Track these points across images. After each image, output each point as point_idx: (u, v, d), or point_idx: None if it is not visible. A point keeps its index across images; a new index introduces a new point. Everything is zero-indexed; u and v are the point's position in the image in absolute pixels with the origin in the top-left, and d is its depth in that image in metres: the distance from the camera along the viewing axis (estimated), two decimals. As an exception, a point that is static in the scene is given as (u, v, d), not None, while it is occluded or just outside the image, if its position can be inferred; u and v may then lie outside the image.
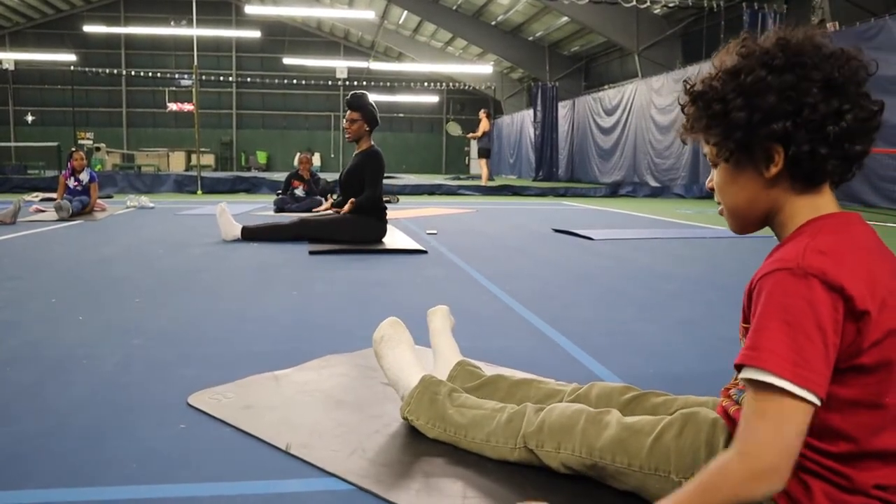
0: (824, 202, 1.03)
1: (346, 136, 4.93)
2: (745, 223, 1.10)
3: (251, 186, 12.72)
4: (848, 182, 1.04)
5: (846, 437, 0.96)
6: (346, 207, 4.86)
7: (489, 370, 1.66)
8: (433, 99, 31.44)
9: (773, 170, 1.00)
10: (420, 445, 1.41)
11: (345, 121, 4.94)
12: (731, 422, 1.09)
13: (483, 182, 14.55)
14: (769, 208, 1.06)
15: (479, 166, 15.79)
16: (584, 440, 1.20)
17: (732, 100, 1.00)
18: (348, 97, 4.94)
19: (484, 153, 14.89)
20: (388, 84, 30.26)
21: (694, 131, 1.08)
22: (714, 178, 1.11)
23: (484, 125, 14.54)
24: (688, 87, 1.08)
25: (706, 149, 1.09)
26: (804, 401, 0.88)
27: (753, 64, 1.00)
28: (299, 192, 8.55)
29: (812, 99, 0.96)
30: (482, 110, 15.09)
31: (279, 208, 8.17)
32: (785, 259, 0.95)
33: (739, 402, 1.09)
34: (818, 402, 0.89)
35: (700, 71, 1.02)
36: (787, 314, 0.90)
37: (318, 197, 8.56)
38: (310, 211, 7.82)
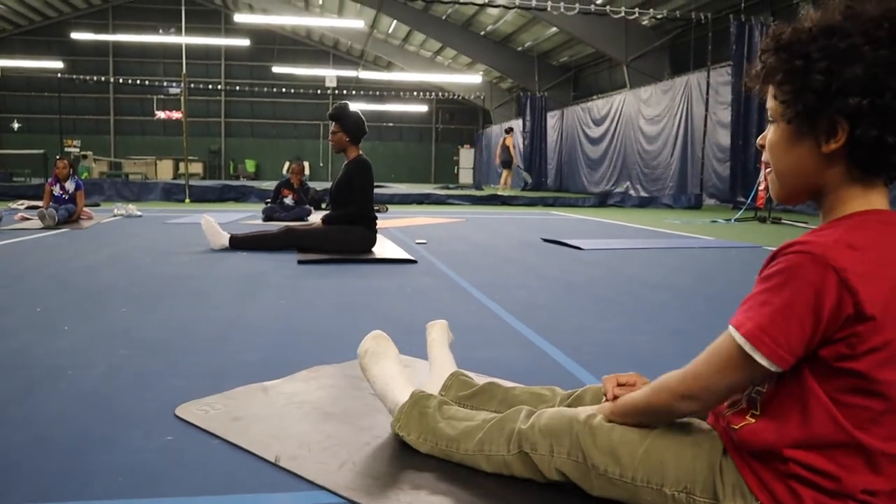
0: (877, 197, 0.99)
1: (332, 147, 5.04)
2: (789, 191, 1.06)
3: (240, 195, 12.68)
4: None
5: (837, 436, 0.97)
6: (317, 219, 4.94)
7: (482, 381, 1.66)
8: (422, 108, 31.51)
9: (833, 146, 0.96)
10: (410, 458, 1.39)
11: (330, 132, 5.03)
12: (725, 428, 1.09)
13: (500, 189, 16.50)
14: (818, 185, 1.02)
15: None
16: (577, 444, 1.18)
17: (817, 60, 0.95)
18: (330, 109, 5.02)
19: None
20: (378, 93, 30.32)
21: (764, 82, 1.03)
22: (768, 135, 1.06)
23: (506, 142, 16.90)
24: (776, 32, 1.01)
25: (770, 102, 1.04)
26: (761, 366, 0.97)
27: (854, 28, 0.93)
28: (288, 201, 8.52)
29: None
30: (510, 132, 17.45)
31: (268, 217, 8.13)
32: (814, 243, 0.94)
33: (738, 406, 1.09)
34: (779, 370, 0.97)
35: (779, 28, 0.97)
36: (792, 296, 0.94)
37: (308, 206, 8.54)
38: (299, 220, 7.80)
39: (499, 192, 14.84)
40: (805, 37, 0.97)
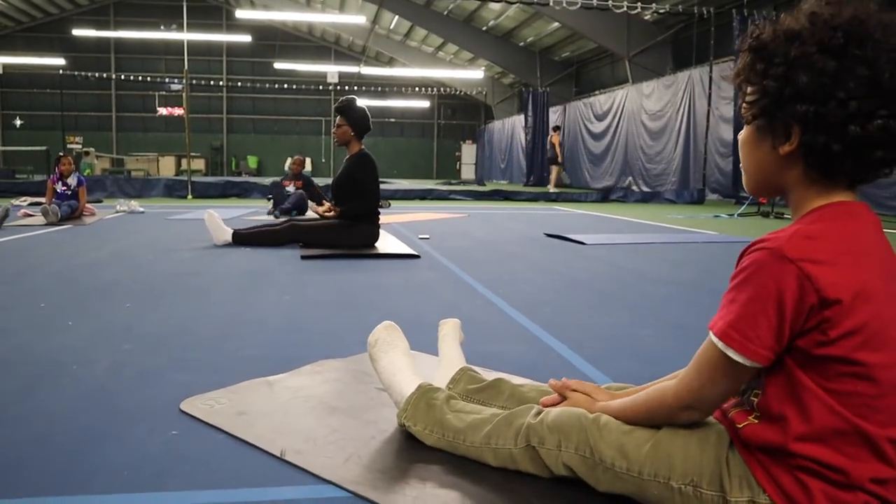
0: (838, 193, 1.01)
1: (335, 140, 5.03)
2: (754, 187, 1.11)
3: (242, 191, 12.68)
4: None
5: (838, 425, 0.97)
6: (324, 209, 4.94)
7: (490, 377, 1.66)
8: (424, 104, 31.46)
9: (786, 148, 1.00)
10: (416, 452, 1.39)
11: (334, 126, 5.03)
12: (730, 424, 1.09)
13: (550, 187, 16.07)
14: (780, 184, 1.05)
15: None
16: (585, 439, 1.18)
17: (775, 66, 0.98)
18: (337, 103, 5.02)
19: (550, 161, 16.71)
20: (379, 89, 30.27)
21: (737, 78, 1.06)
22: (742, 132, 1.10)
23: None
24: (754, 32, 1.03)
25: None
26: (742, 365, 0.99)
27: (810, 36, 0.95)
28: (290, 188, 8.66)
29: (844, 93, 0.92)
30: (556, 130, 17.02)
31: (274, 197, 8.55)
32: (772, 239, 0.97)
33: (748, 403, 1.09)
34: (757, 366, 0.99)
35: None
36: (754, 291, 0.96)
37: (301, 191, 8.69)
38: (298, 208, 8.15)
39: (550, 191, 14.73)
40: (773, 40, 0.99)
